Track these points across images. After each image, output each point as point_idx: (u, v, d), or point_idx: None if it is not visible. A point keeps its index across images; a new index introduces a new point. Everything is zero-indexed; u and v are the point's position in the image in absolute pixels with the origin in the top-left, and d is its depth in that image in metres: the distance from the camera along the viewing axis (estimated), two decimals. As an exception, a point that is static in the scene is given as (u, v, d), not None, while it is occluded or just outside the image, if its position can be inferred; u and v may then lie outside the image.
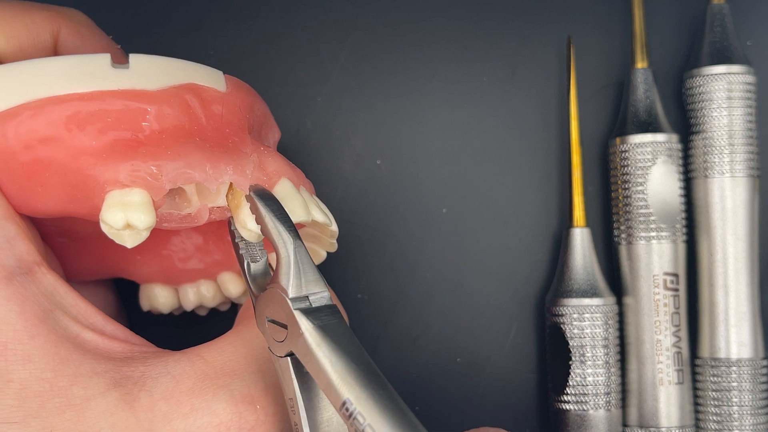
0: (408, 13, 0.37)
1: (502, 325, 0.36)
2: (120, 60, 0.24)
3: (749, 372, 0.33)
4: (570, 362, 0.33)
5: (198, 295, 0.31)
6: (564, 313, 0.33)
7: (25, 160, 0.22)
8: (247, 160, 0.24)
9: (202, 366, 0.23)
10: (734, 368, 0.33)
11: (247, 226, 0.23)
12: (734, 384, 0.33)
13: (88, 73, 0.22)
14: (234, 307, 0.34)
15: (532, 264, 0.36)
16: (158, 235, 0.30)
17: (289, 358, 0.22)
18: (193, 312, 0.33)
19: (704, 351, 0.34)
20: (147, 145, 0.22)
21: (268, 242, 0.24)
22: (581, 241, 0.34)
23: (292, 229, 0.22)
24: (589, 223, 0.35)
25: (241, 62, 0.37)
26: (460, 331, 0.36)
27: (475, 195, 0.36)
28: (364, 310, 0.36)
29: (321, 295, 0.22)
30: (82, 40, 0.27)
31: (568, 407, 0.33)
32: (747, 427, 0.33)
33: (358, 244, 0.36)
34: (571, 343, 0.33)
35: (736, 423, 0.33)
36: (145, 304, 0.32)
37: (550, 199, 0.36)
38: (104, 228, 0.22)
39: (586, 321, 0.33)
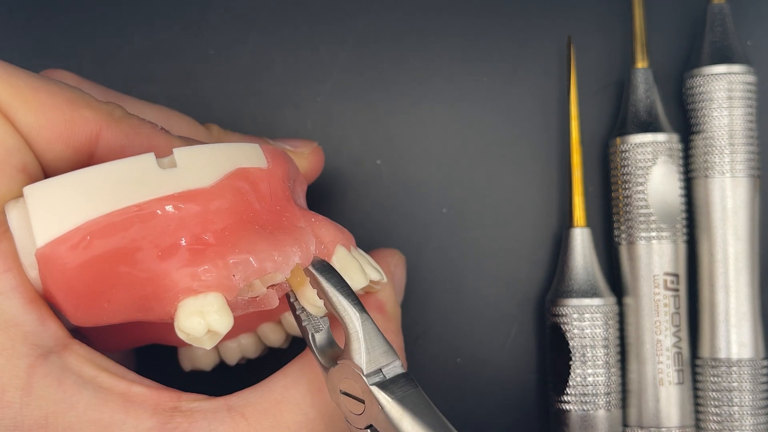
0: (408, 14, 0.37)
1: (502, 325, 0.36)
2: (157, 146, 0.23)
3: (749, 372, 0.33)
4: (570, 362, 0.33)
5: (240, 349, 0.31)
6: (564, 313, 0.33)
7: (89, 280, 0.21)
8: (308, 236, 0.23)
9: (245, 428, 0.23)
10: (734, 368, 0.33)
11: (317, 303, 0.23)
12: (734, 384, 0.33)
13: (139, 180, 0.22)
14: (271, 353, 0.33)
15: (532, 264, 0.36)
16: None
17: (368, 431, 0.22)
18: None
19: (704, 351, 0.34)
20: (213, 246, 0.22)
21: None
22: (581, 241, 0.34)
23: (357, 301, 0.22)
24: (589, 223, 0.35)
25: (241, 62, 0.37)
26: (460, 331, 0.36)
27: (475, 195, 0.36)
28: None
29: (393, 365, 0.22)
30: (124, 137, 0.25)
31: (568, 407, 0.33)
32: (747, 428, 0.33)
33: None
34: (571, 343, 0.33)
35: (736, 423, 0.33)
36: (186, 365, 0.32)
37: (550, 199, 0.36)
38: (181, 335, 0.21)
39: (586, 321, 0.33)
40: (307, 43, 0.37)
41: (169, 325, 0.29)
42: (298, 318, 0.24)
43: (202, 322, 0.21)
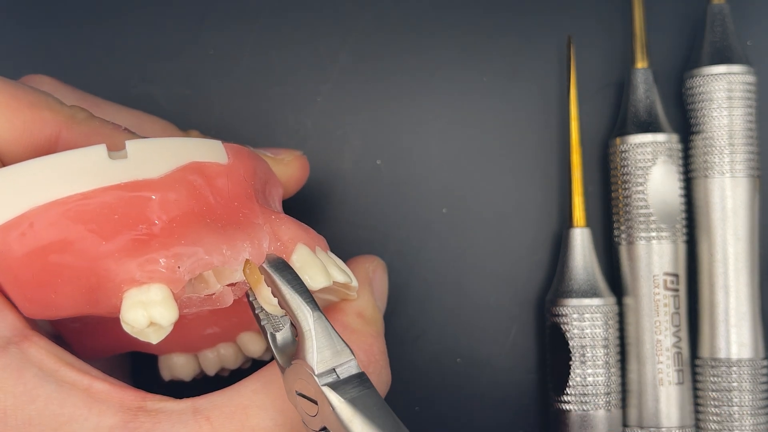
0: (408, 13, 0.37)
1: (502, 325, 0.36)
2: (116, 145, 0.23)
3: (749, 372, 0.33)
4: (570, 362, 0.33)
5: (219, 358, 0.31)
6: (564, 313, 0.33)
7: (34, 269, 0.21)
8: (261, 232, 0.23)
9: (209, 431, 0.22)
10: (734, 368, 0.33)
11: (272, 301, 0.23)
12: (734, 384, 0.33)
13: (86, 170, 0.21)
14: (255, 364, 0.33)
15: (532, 264, 0.36)
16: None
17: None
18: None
19: (704, 351, 0.34)
20: (159, 237, 0.21)
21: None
22: (581, 241, 0.34)
23: (310, 299, 0.22)
24: (589, 223, 0.35)
25: (241, 62, 0.37)
26: (460, 331, 0.36)
27: (475, 195, 0.36)
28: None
29: (348, 365, 0.22)
30: (85, 138, 0.25)
31: (568, 407, 0.33)
32: (747, 428, 0.33)
33: (358, 244, 0.36)
34: (571, 344, 0.33)
35: (736, 423, 0.33)
36: (166, 374, 0.31)
37: (550, 199, 0.36)
38: (126, 328, 0.21)
39: (586, 321, 0.33)
40: (308, 43, 0.37)
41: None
42: (257, 317, 0.24)
43: (144, 314, 0.20)
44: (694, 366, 0.34)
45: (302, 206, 0.35)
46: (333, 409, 0.21)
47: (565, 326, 0.33)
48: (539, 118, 0.36)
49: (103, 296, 0.21)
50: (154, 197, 0.22)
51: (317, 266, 0.24)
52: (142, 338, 0.21)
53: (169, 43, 0.37)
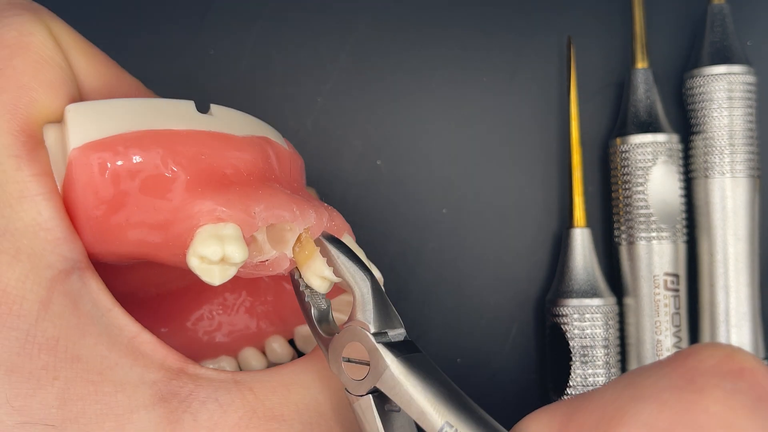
0: (408, 14, 0.37)
1: (502, 325, 0.36)
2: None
3: (749, 372, 0.33)
4: (570, 362, 0.33)
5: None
6: (564, 313, 0.33)
7: (115, 191, 0.21)
8: (322, 208, 0.24)
9: (252, 400, 0.22)
10: (734, 368, 0.33)
11: (324, 273, 0.23)
12: (734, 384, 0.33)
13: (178, 114, 0.23)
14: None
15: (532, 264, 0.36)
16: (188, 306, 0.30)
17: (371, 396, 0.22)
18: None
19: (704, 351, 0.34)
20: (237, 184, 0.22)
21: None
22: (582, 241, 0.34)
23: (366, 268, 0.23)
24: (589, 224, 0.35)
25: (241, 62, 0.37)
26: (460, 331, 0.36)
27: (475, 195, 0.36)
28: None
29: (398, 331, 0.22)
30: None
31: (568, 407, 0.33)
32: (747, 428, 0.33)
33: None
34: (571, 344, 0.33)
35: (736, 423, 0.33)
36: None
37: (550, 199, 0.36)
38: (194, 263, 0.21)
39: (586, 321, 0.33)
40: (308, 43, 0.37)
41: (153, 329, 0.29)
42: (300, 294, 0.24)
43: (218, 248, 0.21)
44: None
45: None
46: (388, 365, 0.21)
47: (566, 326, 0.33)
48: (539, 118, 0.36)
49: (175, 229, 0.22)
50: (236, 150, 0.23)
51: (362, 253, 0.25)
52: (205, 277, 0.22)
53: (169, 43, 0.37)
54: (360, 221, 0.36)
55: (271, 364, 0.31)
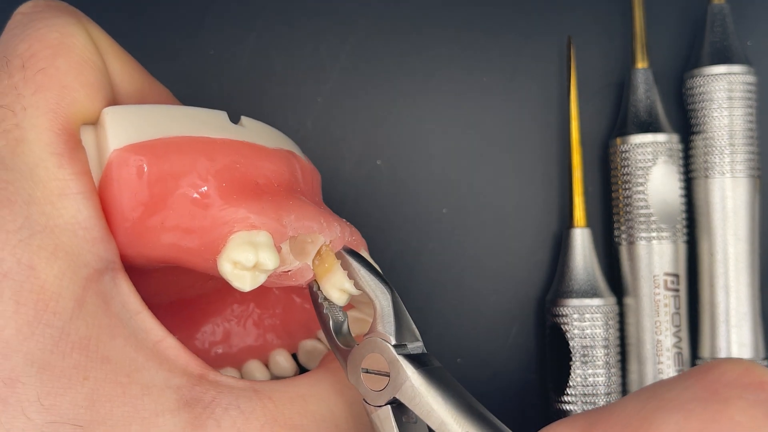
0: (408, 14, 0.37)
1: (502, 325, 0.36)
2: None
3: (750, 372, 0.33)
4: (570, 363, 0.33)
5: None
6: (564, 313, 0.33)
7: (152, 193, 0.22)
8: (344, 222, 0.25)
9: (272, 410, 0.22)
10: (735, 368, 0.33)
11: (344, 286, 0.24)
12: (735, 384, 0.33)
13: (214, 123, 0.24)
14: None
15: (532, 264, 0.36)
16: (197, 316, 0.31)
17: (389, 407, 0.22)
18: None
19: (705, 351, 0.34)
20: (269, 194, 0.23)
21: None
22: (582, 241, 0.34)
23: (386, 281, 0.23)
24: (589, 224, 0.35)
25: (241, 62, 0.37)
26: (460, 331, 0.36)
27: (475, 195, 0.36)
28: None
29: (417, 344, 0.23)
30: None
31: (568, 408, 0.33)
32: (747, 428, 0.33)
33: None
34: (571, 344, 0.33)
35: (736, 423, 0.33)
36: None
37: (550, 199, 0.36)
38: (226, 268, 0.22)
39: (586, 321, 0.33)
40: (307, 44, 0.37)
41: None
42: (319, 306, 0.24)
43: (252, 254, 0.21)
44: (694, 366, 0.34)
45: (302, 206, 0.35)
46: (408, 377, 0.21)
47: (566, 326, 0.33)
48: (539, 118, 0.36)
49: (209, 235, 0.22)
50: (268, 162, 0.24)
51: (378, 270, 0.25)
52: (236, 283, 0.22)
53: (170, 42, 0.37)
54: (360, 221, 0.36)
55: (273, 378, 0.31)
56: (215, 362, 0.31)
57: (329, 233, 0.24)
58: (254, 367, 0.31)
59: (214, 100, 0.37)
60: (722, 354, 0.33)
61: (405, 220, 0.36)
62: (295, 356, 0.32)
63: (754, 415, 0.17)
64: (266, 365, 0.31)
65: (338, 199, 0.36)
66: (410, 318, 0.23)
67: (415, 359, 0.22)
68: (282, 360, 0.31)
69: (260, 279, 0.22)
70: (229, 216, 0.22)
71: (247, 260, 0.21)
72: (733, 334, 0.33)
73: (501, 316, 0.36)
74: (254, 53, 0.37)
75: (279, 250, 0.22)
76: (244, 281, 0.22)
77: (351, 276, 0.24)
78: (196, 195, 0.22)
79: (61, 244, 0.21)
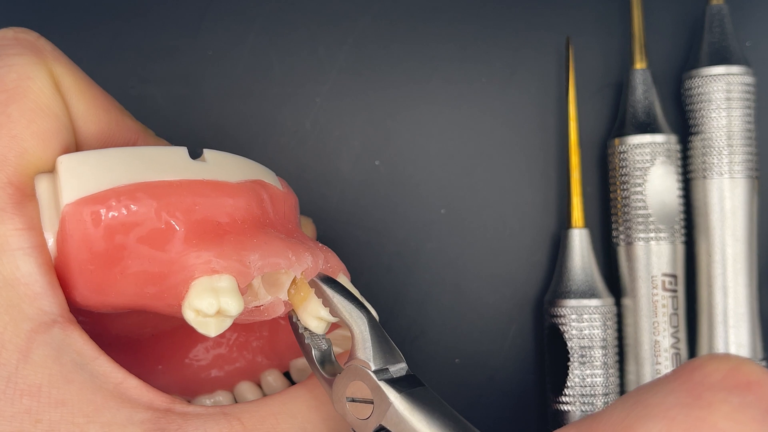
0: (407, 14, 0.37)
1: (501, 325, 0.36)
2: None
3: (748, 373, 0.33)
4: (568, 363, 0.33)
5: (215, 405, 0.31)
6: (563, 313, 0.33)
7: (108, 246, 0.21)
8: (317, 250, 0.24)
9: (240, 431, 0.22)
10: (733, 369, 0.33)
11: (320, 314, 0.23)
12: (733, 385, 0.33)
13: (171, 163, 0.23)
14: None
15: (530, 265, 0.36)
16: (183, 343, 0.30)
17: None
18: None
19: (703, 352, 0.34)
20: (232, 233, 0.22)
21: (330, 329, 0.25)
22: (580, 241, 0.34)
23: (362, 306, 0.23)
24: (587, 224, 0.35)
25: (240, 62, 0.37)
26: (459, 331, 0.36)
27: (474, 195, 0.36)
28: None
29: (400, 366, 0.22)
30: None
31: (566, 408, 0.33)
32: (745, 428, 0.33)
33: (357, 245, 0.36)
34: (569, 344, 0.33)
35: (734, 424, 0.33)
36: None
37: (548, 199, 0.36)
38: (189, 316, 0.22)
39: (584, 322, 0.33)
40: (307, 44, 0.37)
41: (148, 366, 0.29)
42: (300, 337, 0.24)
43: (214, 301, 0.21)
44: (682, 364, 0.34)
45: (302, 207, 0.35)
46: (391, 403, 0.21)
47: (564, 327, 0.33)
48: (538, 119, 0.36)
49: (170, 282, 0.22)
50: (231, 198, 0.23)
51: (358, 295, 0.25)
52: (201, 329, 0.22)
53: (169, 43, 0.37)
54: (359, 221, 0.36)
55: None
56: (207, 386, 0.31)
57: (298, 266, 0.23)
58: (246, 388, 0.31)
59: (213, 100, 0.37)
60: (720, 355, 0.33)
61: (403, 221, 0.36)
62: (288, 375, 0.32)
63: (738, 420, 0.17)
64: (260, 386, 0.31)
65: (337, 200, 0.36)
66: (390, 340, 0.23)
67: (397, 383, 0.22)
68: (272, 380, 0.31)
69: (226, 324, 0.22)
70: (189, 261, 0.21)
71: (208, 307, 0.21)
72: (731, 335, 0.33)
73: (499, 317, 0.36)
74: (253, 53, 0.37)
75: (245, 290, 0.22)
76: (208, 328, 0.22)
77: (326, 304, 0.23)
78: (154, 243, 0.22)
79: (1, 298, 0.21)
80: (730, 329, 0.33)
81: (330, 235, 0.36)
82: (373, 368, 0.22)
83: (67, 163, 0.22)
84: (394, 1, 0.37)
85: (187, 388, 0.31)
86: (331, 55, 0.37)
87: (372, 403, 0.21)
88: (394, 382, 0.22)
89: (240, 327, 0.31)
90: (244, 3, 0.37)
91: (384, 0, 0.37)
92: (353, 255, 0.36)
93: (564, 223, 0.36)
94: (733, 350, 0.33)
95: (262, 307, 0.23)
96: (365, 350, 0.22)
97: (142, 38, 0.37)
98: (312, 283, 0.23)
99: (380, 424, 0.21)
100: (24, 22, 0.37)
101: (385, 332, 0.22)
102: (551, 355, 0.34)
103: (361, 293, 0.36)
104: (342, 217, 0.36)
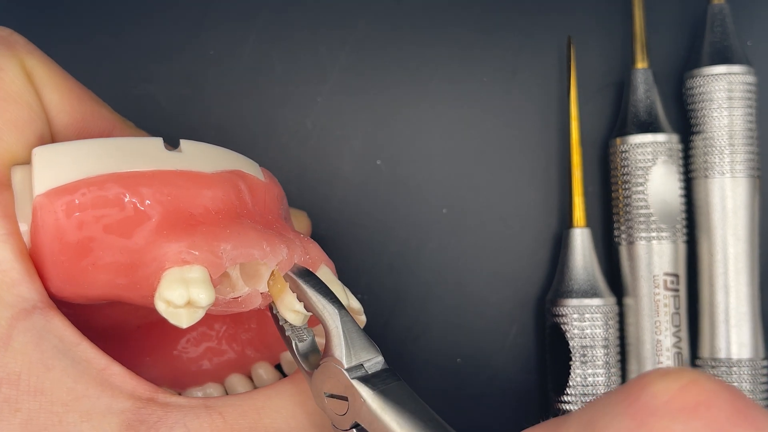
0: (408, 14, 0.37)
1: (502, 325, 0.36)
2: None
3: (749, 372, 0.33)
4: (570, 362, 0.33)
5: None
6: (564, 313, 0.33)
7: (80, 236, 0.21)
8: (295, 242, 0.24)
9: (220, 425, 0.22)
10: (734, 368, 0.33)
11: (295, 307, 0.23)
12: (734, 384, 0.33)
13: (145, 153, 0.23)
14: None
15: (532, 264, 0.36)
16: (171, 335, 0.30)
17: (354, 430, 0.22)
18: None
19: (704, 351, 0.34)
20: (205, 224, 0.22)
21: (312, 320, 0.24)
22: (581, 241, 0.34)
23: (336, 300, 0.22)
24: (589, 224, 0.35)
25: (241, 62, 0.37)
26: (460, 331, 0.36)
27: (475, 195, 0.36)
28: (364, 310, 0.36)
29: (375, 360, 0.22)
30: None
31: (568, 408, 0.33)
32: (747, 428, 0.33)
33: (358, 245, 0.36)
34: (571, 344, 0.33)
35: (736, 423, 0.33)
36: None
37: (550, 199, 0.36)
38: (161, 307, 0.21)
39: (586, 321, 0.33)
40: (307, 44, 0.37)
41: (135, 358, 0.29)
42: (281, 329, 0.24)
43: (184, 292, 0.21)
44: (694, 366, 0.34)
45: (303, 206, 0.35)
46: (364, 401, 0.21)
47: (565, 326, 0.33)
48: (539, 119, 0.36)
49: (142, 273, 0.22)
50: (205, 189, 0.23)
51: (339, 286, 0.24)
52: (173, 320, 0.21)
53: (169, 43, 0.37)
54: (360, 221, 0.36)
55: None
56: (197, 379, 0.30)
57: (273, 258, 0.23)
58: (236, 381, 0.31)
59: (214, 100, 0.37)
60: (722, 354, 0.33)
61: (405, 220, 0.36)
62: (280, 368, 0.32)
63: None
64: (250, 378, 0.31)
65: (338, 199, 0.36)
66: (365, 333, 0.22)
67: (371, 380, 0.21)
68: (263, 372, 0.31)
69: (198, 315, 0.21)
70: (160, 252, 0.21)
71: (178, 298, 0.21)
72: (732, 334, 0.33)
73: (501, 316, 0.36)
74: (254, 53, 0.37)
75: (218, 282, 0.22)
76: (180, 319, 0.21)
77: (300, 298, 0.23)
78: (125, 233, 0.21)
79: None
80: (732, 328, 0.33)
81: (331, 235, 0.36)
82: (345, 366, 0.21)
83: (40, 154, 0.22)
84: (395, 1, 0.37)
85: (177, 381, 0.31)
86: (332, 54, 0.37)
87: (347, 400, 0.21)
88: (367, 379, 0.21)
89: (228, 319, 0.31)
90: (245, 3, 0.37)
91: (385, 0, 0.37)
92: (354, 255, 0.36)
93: (565, 223, 0.36)
94: (734, 349, 0.33)
95: (239, 299, 0.23)
96: (338, 347, 0.22)
97: (144, 38, 0.37)
98: (287, 277, 0.23)
99: (355, 421, 0.21)
100: (25, 23, 0.37)
101: (359, 326, 0.22)
102: (553, 355, 0.34)
103: (363, 293, 0.36)
104: (343, 217, 0.36)
